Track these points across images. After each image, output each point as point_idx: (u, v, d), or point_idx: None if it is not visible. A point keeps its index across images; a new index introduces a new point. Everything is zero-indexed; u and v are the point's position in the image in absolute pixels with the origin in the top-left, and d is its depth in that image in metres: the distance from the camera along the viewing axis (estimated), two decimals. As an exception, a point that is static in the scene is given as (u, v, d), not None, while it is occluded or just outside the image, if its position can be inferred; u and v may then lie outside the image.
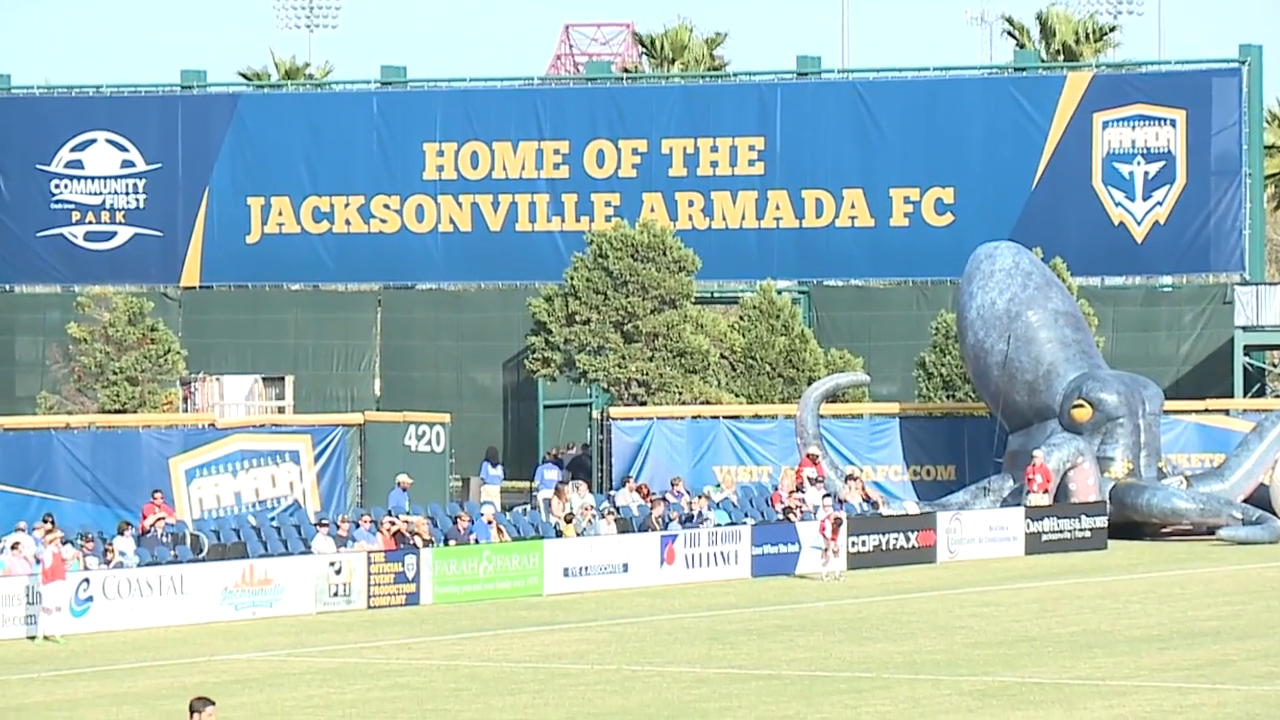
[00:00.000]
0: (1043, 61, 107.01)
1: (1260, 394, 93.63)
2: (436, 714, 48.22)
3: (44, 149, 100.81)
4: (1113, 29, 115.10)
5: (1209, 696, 48.87)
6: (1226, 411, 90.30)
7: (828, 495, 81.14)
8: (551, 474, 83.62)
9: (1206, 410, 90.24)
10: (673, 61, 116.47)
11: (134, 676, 55.00)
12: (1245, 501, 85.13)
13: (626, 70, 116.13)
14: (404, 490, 78.66)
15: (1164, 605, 66.19)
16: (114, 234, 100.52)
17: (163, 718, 48.69)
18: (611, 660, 56.46)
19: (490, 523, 76.06)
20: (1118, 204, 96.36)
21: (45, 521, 68.59)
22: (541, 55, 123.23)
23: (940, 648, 57.69)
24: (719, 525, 77.84)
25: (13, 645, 61.38)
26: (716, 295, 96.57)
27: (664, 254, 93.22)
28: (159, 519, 72.83)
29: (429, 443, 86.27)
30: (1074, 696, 49.23)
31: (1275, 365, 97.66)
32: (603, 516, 77.81)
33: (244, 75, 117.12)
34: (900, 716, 46.97)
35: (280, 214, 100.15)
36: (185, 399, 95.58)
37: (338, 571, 69.07)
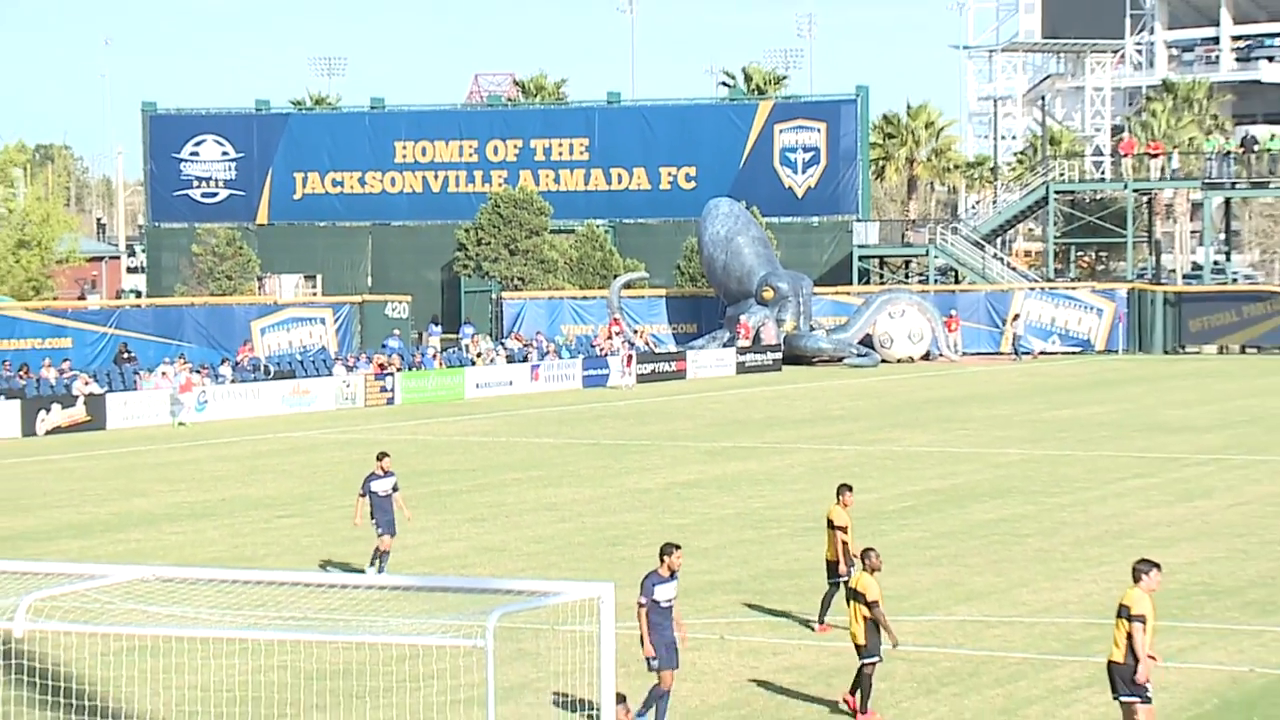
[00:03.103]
0: (745, 95, 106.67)
1: (866, 283, 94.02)
2: (404, 465, 48.20)
3: (176, 145, 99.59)
4: (785, 77, 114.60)
5: (839, 454, 49.30)
6: (848, 293, 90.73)
7: (625, 341, 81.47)
8: (469, 330, 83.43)
9: (837, 293, 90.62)
10: (536, 94, 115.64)
11: (231, 445, 54.85)
12: (860, 343, 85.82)
13: (510, 100, 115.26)
14: (398, 337, 79.06)
15: (814, 402, 66.54)
16: (217, 194, 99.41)
17: (250, 469, 48.58)
18: (503, 435, 56.54)
19: (434, 357, 76.01)
20: (788, 176, 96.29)
21: (181, 358, 68.30)
22: (461, 90, 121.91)
23: (688, 427, 57.93)
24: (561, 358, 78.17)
25: (162, 428, 61.22)
26: (562, 229, 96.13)
27: (532, 205, 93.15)
28: (246, 356, 72.55)
29: (399, 313, 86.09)
30: (763, 454, 49.61)
31: (875, 267, 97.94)
32: (498, 354, 77.94)
33: (292, 102, 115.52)
34: (664, 465, 47.19)
35: (312, 182, 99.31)
36: (260, 288, 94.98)
37: (347, 386, 68.95)
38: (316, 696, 22.60)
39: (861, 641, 21.72)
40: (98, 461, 51.36)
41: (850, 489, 26.70)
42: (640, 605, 21.10)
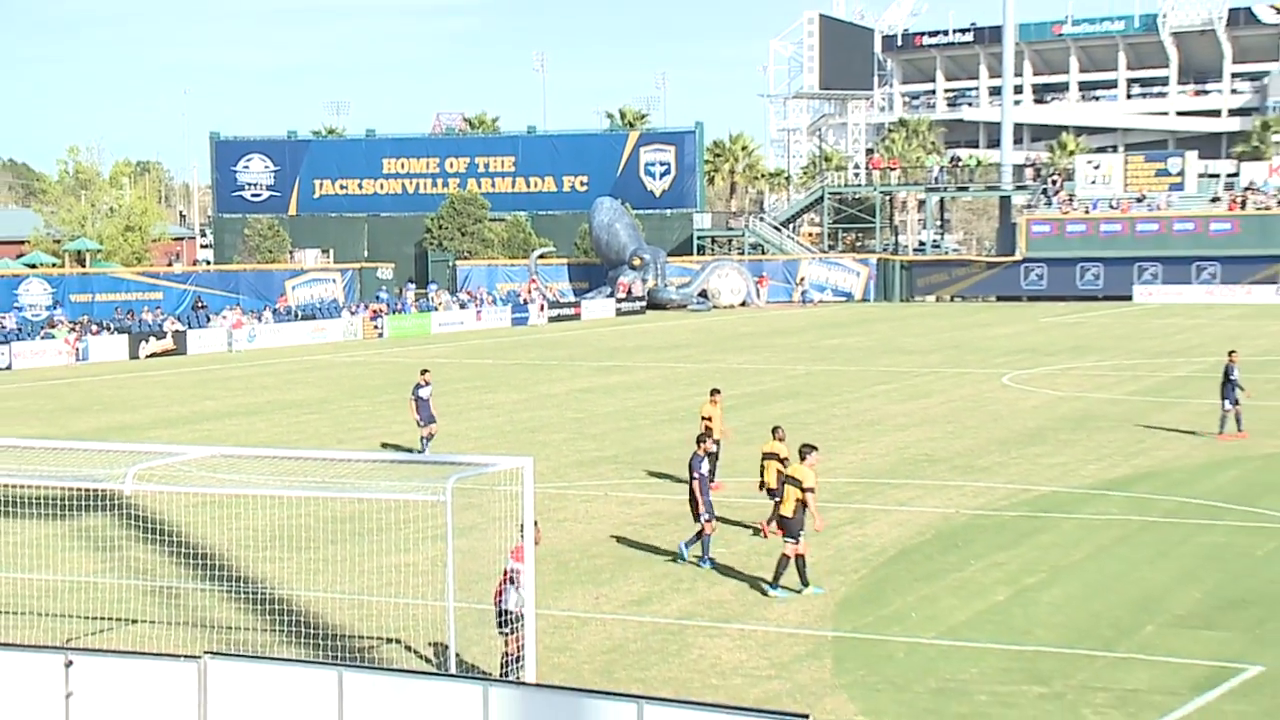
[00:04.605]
0: (620, 127, 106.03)
1: (702, 254, 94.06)
2: (390, 378, 47.85)
3: (233, 160, 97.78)
4: (647, 115, 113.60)
5: (684, 370, 49.26)
6: (690, 261, 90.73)
7: (540, 294, 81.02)
8: (434, 286, 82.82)
9: (683, 261, 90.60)
10: (478, 126, 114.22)
11: (272, 365, 54.20)
12: (699, 295, 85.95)
13: (461, 130, 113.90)
14: (385, 288, 78.25)
15: (667, 335, 66.50)
16: (261, 194, 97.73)
17: (284, 382, 48.02)
18: (457, 358, 56.21)
19: (411, 305, 75.40)
20: (650, 182, 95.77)
21: (237, 306, 67.55)
22: (427, 123, 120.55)
23: (583, 352, 57.81)
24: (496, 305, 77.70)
25: (224, 354, 60.45)
26: (496, 219, 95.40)
27: (476, 202, 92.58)
28: (282, 305, 71.75)
29: (386, 275, 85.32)
30: (633, 370, 49.45)
31: (708, 244, 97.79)
32: (453, 303, 77.44)
33: (313, 132, 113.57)
34: (567, 377, 47.07)
35: (327, 187, 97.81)
36: (290, 258, 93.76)
37: (351, 325, 68.26)
38: (331, 535, 22.60)
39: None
40: (181, 377, 50.65)
41: (719, 391, 26.64)
42: (694, 478, 20.54)
